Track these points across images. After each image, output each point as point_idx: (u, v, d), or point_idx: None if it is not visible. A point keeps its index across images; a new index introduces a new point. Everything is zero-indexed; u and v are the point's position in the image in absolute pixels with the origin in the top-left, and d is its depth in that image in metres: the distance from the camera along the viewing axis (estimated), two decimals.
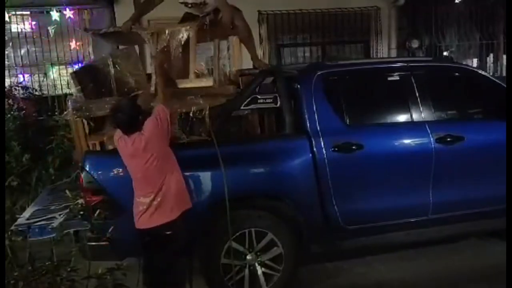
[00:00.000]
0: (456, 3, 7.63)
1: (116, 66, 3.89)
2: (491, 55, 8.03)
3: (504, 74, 7.59)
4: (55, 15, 6.53)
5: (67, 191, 3.36)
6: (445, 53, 7.80)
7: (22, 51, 6.67)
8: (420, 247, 4.02)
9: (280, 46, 7.57)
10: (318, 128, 3.46)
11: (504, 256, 3.77)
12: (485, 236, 4.20)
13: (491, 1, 7.70)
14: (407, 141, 3.63)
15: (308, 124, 3.47)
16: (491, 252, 4.00)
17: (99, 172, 3.15)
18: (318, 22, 7.42)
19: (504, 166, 3.62)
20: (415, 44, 7.48)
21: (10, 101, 5.72)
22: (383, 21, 7.44)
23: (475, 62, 7.97)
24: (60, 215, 3.40)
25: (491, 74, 7.60)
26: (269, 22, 7.25)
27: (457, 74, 3.98)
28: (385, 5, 7.44)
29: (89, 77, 3.82)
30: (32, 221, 3.32)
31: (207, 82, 3.65)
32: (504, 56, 7.83)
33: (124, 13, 6.52)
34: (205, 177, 3.27)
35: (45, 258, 2.91)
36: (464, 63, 7.04)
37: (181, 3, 4.06)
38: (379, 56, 7.35)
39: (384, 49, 7.42)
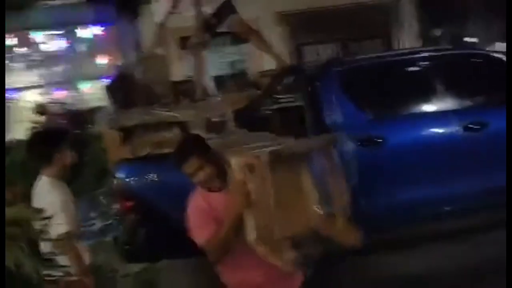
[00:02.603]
0: None
1: (143, 72, 4.01)
2: None
3: None
4: (84, 33, 6.87)
5: (101, 198, 3.54)
6: (469, 40, 7.65)
7: (56, 69, 7.05)
8: (449, 238, 3.97)
9: (300, 45, 7.64)
10: (341, 124, 3.51)
11: None
12: None
13: None
14: (431, 131, 3.63)
15: (330, 121, 3.53)
16: None
17: (132, 178, 3.31)
18: (338, 18, 7.44)
19: None
20: (437, 33, 7.39)
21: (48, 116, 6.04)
22: (404, 12, 7.40)
23: (502, 47, 7.77)
24: (98, 221, 3.61)
25: None
26: (288, 22, 7.34)
27: (479, 60, 3.95)
28: None
29: (120, 87, 3.99)
30: None
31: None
32: None
33: (146, 25, 6.79)
34: None
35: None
36: (487, 48, 6.90)
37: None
38: (401, 48, 7.30)
39: (406, 41, 7.37)
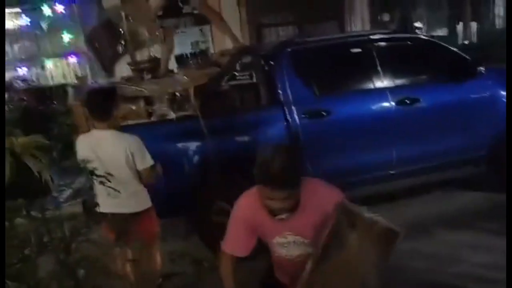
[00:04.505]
0: None
1: (129, 18, 4.12)
2: (461, 23, 8.43)
3: (473, 40, 8.01)
4: (46, 10, 6.93)
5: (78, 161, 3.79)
6: (416, 24, 8.20)
7: (19, 46, 7.09)
8: (390, 200, 4.43)
9: (261, 26, 7.98)
10: (291, 98, 3.92)
11: (465, 202, 4.30)
12: (448, 188, 4.69)
13: None
14: (370, 106, 4.09)
15: (281, 96, 3.93)
16: (456, 200, 4.48)
17: None
18: (296, 2, 7.80)
19: (458, 122, 4.16)
20: (386, 17, 7.89)
21: (11, 93, 6.16)
22: None
23: (445, 32, 8.39)
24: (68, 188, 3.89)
25: (461, 40, 8.02)
26: (248, 5, 7.64)
27: (413, 43, 4.43)
28: None
29: (102, 38, 4.15)
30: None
31: None
32: (472, 24, 8.24)
33: (110, 2, 6.91)
34: (194, 147, 3.73)
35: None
36: (433, 33, 7.47)
37: None
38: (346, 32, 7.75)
39: (358, 24, 7.83)
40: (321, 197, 2.02)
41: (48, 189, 1.73)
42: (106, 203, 2.94)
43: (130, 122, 3.84)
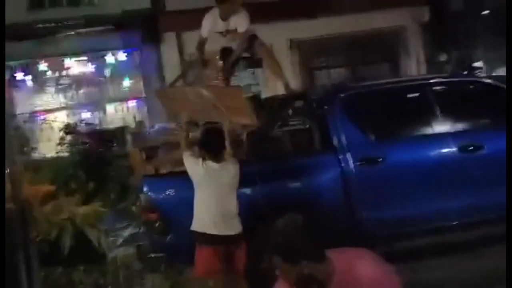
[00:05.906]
0: (483, 14, 7.77)
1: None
2: None
3: None
4: (110, 58, 7.41)
5: (133, 207, 3.88)
6: (475, 65, 7.90)
7: (83, 92, 7.59)
8: (447, 253, 4.17)
9: (312, 69, 8.03)
10: (345, 144, 3.84)
11: None
12: None
13: None
14: (429, 152, 3.92)
15: (335, 141, 3.85)
16: None
17: (154, 193, 3.66)
18: (348, 45, 7.83)
19: None
20: (442, 58, 7.69)
21: (75, 136, 6.51)
22: (410, 38, 7.74)
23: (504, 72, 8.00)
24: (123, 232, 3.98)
25: None
26: (300, 48, 7.76)
27: (474, 87, 4.26)
28: (410, 23, 7.74)
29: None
30: None
31: None
32: None
33: (169, 51, 7.28)
34: (244, 193, 3.70)
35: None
36: (493, 74, 7.16)
37: (216, 32, 4.59)
38: (407, 73, 7.62)
39: (413, 66, 7.69)
40: (360, 274, 1.63)
41: (105, 254, 1.76)
42: (212, 223, 3.18)
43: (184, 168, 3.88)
